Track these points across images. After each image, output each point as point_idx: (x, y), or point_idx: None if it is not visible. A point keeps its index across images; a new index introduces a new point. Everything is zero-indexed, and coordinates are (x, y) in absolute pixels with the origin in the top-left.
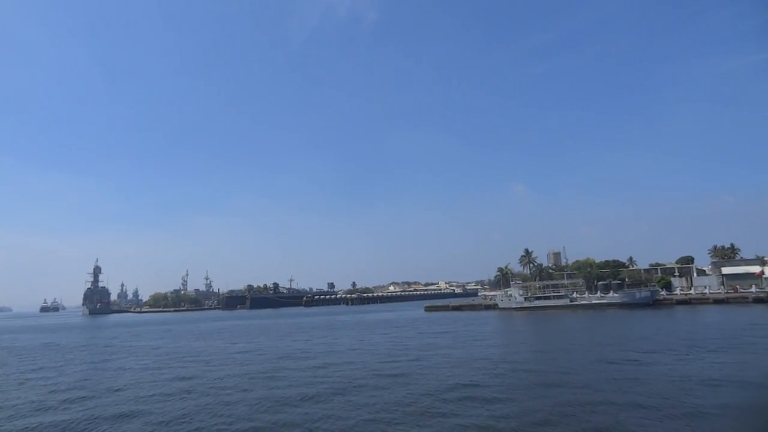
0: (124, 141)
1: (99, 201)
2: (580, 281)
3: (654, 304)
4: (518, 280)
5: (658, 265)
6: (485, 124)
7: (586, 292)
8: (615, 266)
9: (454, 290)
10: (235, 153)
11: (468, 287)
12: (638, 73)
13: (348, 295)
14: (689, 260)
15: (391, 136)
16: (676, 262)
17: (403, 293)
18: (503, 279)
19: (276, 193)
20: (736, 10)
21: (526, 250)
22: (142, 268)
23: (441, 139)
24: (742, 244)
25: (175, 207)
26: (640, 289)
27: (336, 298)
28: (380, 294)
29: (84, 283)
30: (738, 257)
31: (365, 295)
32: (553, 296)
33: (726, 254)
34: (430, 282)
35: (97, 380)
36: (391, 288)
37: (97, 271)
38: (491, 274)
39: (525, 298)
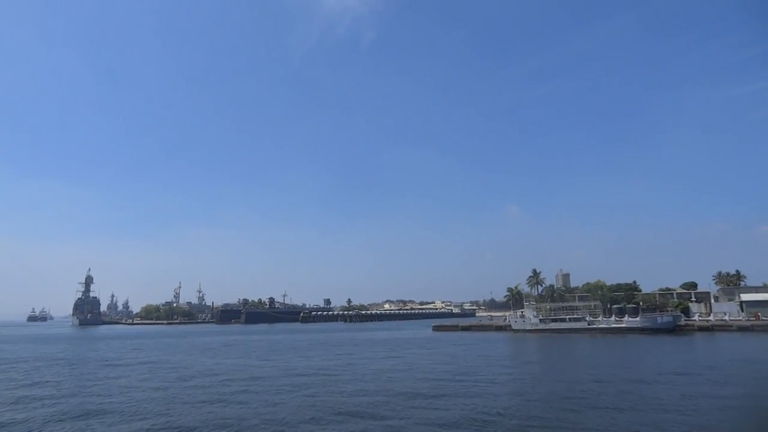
0: (116, 150)
1: (88, 210)
2: (597, 304)
3: (674, 330)
4: (532, 301)
5: (668, 290)
6: (480, 145)
7: (600, 316)
8: (627, 289)
9: (452, 310)
10: (228, 165)
11: (465, 307)
12: (633, 100)
13: (346, 312)
14: (693, 286)
15: (386, 154)
16: (681, 288)
17: (399, 312)
18: (513, 299)
19: (270, 207)
20: (731, 40)
21: (534, 271)
22: (132, 279)
23: (435, 157)
24: (731, 270)
25: (166, 218)
26: (661, 314)
27: (333, 315)
28: (377, 312)
29: (74, 292)
30: (742, 284)
31: (364, 312)
32: (570, 319)
33: (731, 281)
34: (424, 301)
35: (104, 404)
36: (387, 306)
37: (89, 280)
38: (485, 294)
39: (540, 320)
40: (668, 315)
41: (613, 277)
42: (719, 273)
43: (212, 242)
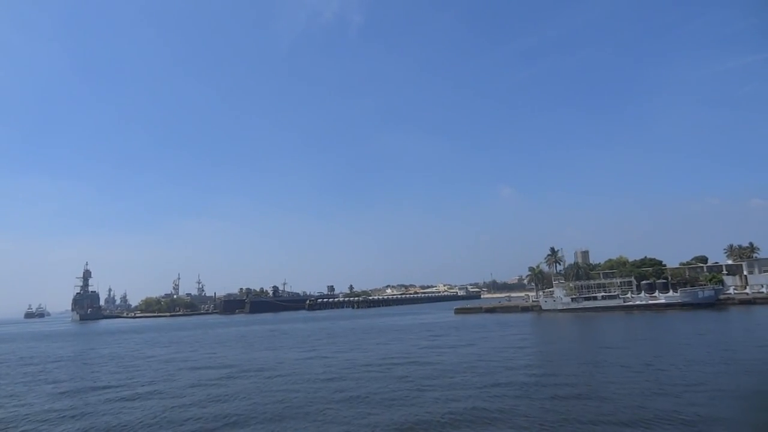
0: (106, 142)
1: (80, 205)
2: (631, 280)
3: (715, 304)
4: (561, 279)
5: (689, 264)
6: (473, 126)
7: (630, 293)
8: (652, 264)
9: (456, 293)
10: (220, 155)
11: (470, 289)
12: (626, 76)
13: (352, 299)
14: (704, 259)
15: (380, 138)
16: (692, 261)
17: (404, 296)
18: (536, 279)
19: (264, 196)
20: (724, 13)
21: (552, 249)
22: (128, 272)
23: (429, 140)
24: (727, 244)
25: (160, 210)
26: (702, 288)
27: (339, 302)
28: (384, 297)
29: (71, 288)
30: (755, 256)
31: (371, 298)
32: (602, 296)
33: (744, 253)
34: (425, 284)
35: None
36: (389, 291)
37: (86, 275)
38: (484, 276)
39: (572, 299)
40: (709, 289)
41: (614, 252)
42: (731, 246)
43: (208, 233)
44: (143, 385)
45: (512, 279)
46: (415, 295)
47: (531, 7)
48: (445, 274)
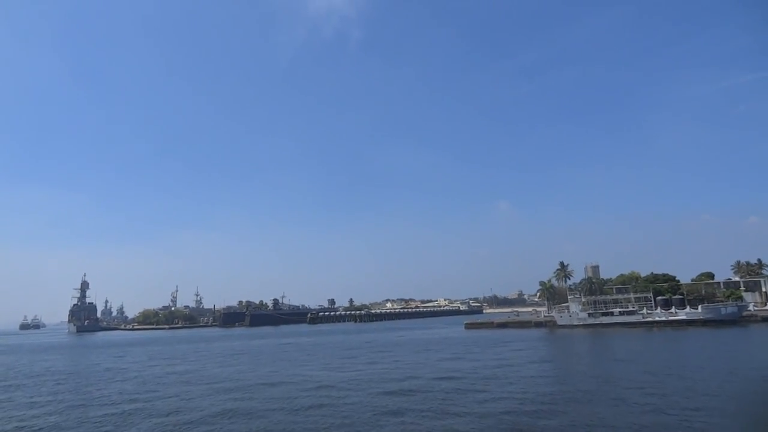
0: (104, 153)
1: (78, 215)
2: (648, 296)
3: (738, 321)
4: (577, 294)
5: (700, 279)
6: (471, 141)
7: (645, 309)
8: (665, 280)
9: (458, 307)
10: (220, 166)
11: (472, 304)
12: (624, 93)
13: (354, 312)
14: (710, 276)
15: (379, 152)
16: (698, 277)
17: (406, 310)
18: (548, 294)
19: (263, 207)
20: (721, 32)
21: (561, 264)
22: (124, 284)
23: (428, 154)
24: (726, 262)
25: (157, 221)
26: (725, 305)
27: (341, 315)
28: (386, 311)
29: (68, 299)
30: (763, 272)
31: (374, 312)
32: (620, 312)
33: (752, 270)
34: (424, 298)
35: None
36: (389, 305)
37: (84, 286)
38: (484, 290)
39: (589, 314)
40: (732, 305)
41: (615, 267)
42: (738, 262)
43: (206, 245)
44: (164, 415)
45: (512, 294)
46: (417, 309)
47: (530, 23)
48: (443, 288)
